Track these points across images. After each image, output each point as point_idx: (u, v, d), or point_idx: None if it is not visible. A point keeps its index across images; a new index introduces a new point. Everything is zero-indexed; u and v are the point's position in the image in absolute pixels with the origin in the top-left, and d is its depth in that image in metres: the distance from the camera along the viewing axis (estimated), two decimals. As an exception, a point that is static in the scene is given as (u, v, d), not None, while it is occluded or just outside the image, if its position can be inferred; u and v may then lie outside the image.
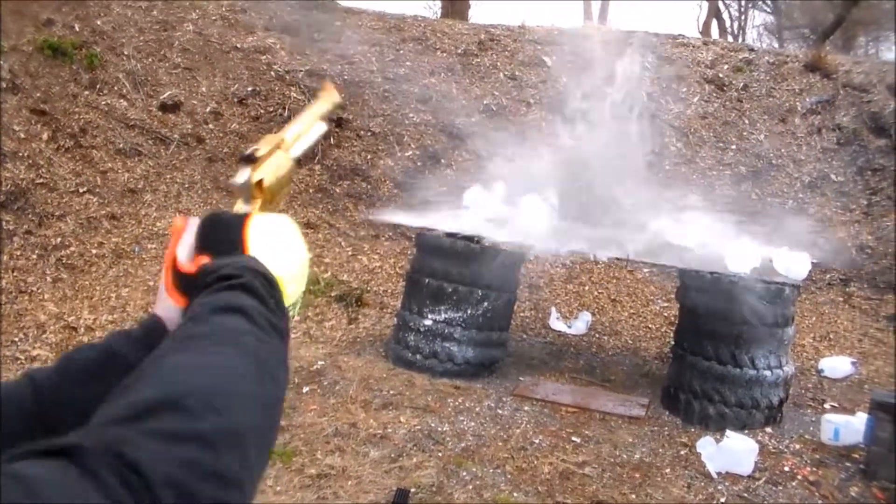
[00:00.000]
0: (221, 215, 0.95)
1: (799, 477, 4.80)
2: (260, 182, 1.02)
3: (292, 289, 0.93)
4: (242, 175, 1.02)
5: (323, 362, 5.99)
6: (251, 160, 1.02)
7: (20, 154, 7.31)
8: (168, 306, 0.93)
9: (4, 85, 7.84)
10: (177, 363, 0.70)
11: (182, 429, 0.62)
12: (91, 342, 0.91)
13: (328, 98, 1.27)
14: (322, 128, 1.22)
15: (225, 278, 0.83)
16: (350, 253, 8.19)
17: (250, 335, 0.76)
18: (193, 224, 0.97)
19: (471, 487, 4.33)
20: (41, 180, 7.25)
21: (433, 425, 5.03)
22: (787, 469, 4.89)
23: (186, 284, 0.89)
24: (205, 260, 0.90)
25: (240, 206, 1.00)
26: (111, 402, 0.65)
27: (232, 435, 0.65)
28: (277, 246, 0.94)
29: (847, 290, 8.78)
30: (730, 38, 28.07)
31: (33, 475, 0.54)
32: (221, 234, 0.92)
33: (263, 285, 0.84)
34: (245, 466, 0.65)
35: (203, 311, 0.79)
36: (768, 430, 5.41)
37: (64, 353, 0.89)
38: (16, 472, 0.54)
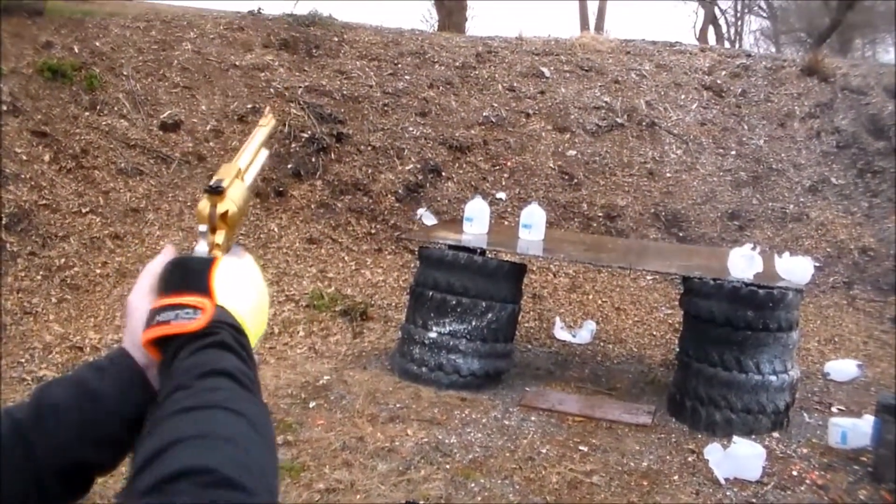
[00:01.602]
0: (185, 260, 0.94)
1: (807, 481, 4.79)
2: (225, 214, 1.02)
3: (254, 330, 0.93)
4: (205, 206, 1.02)
5: (329, 377, 6.00)
6: (217, 192, 1.02)
7: (22, 176, 7.34)
8: (141, 352, 0.91)
9: (5, 108, 7.87)
10: (202, 450, 0.69)
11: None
12: (60, 376, 0.91)
13: (268, 124, 1.26)
14: (265, 154, 1.22)
15: (201, 335, 0.84)
16: (353, 267, 8.21)
17: (240, 398, 0.78)
18: (151, 267, 0.97)
19: (479, 499, 4.33)
20: (44, 201, 7.28)
21: (440, 437, 5.03)
22: (795, 473, 4.89)
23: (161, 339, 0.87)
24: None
25: (201, 246, 0.99)
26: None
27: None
28: (243, 292, 0.94)
29: (851, 292, 8.78)
30: (727, 45, 28.14)
31: None
32: (188, 282, 0.90)
33: (236, 339, 0.85)
34: None
35: (189, 379, 0.78)
36: (775, 434, 5.41)
37: (36, 388, 0.89)
38: None
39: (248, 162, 1.15)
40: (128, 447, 0.87)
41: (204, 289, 0.89)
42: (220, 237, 1.00)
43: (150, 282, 0.95)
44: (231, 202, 1.03)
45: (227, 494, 0.64)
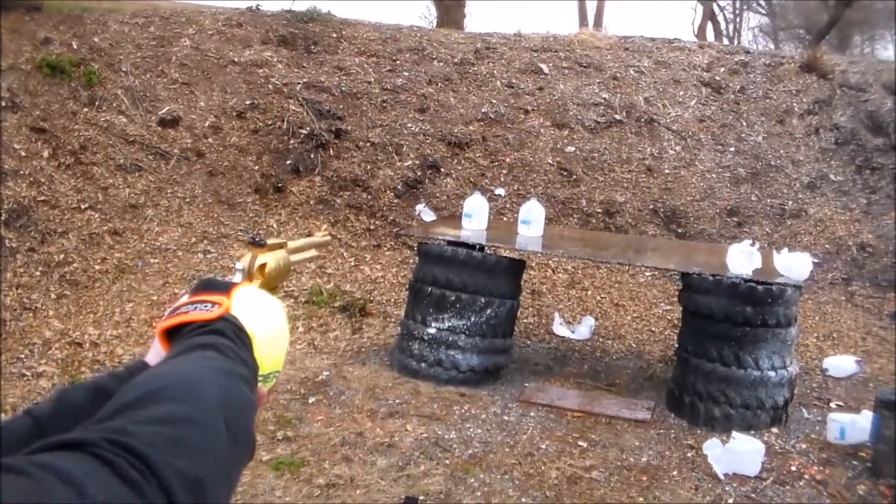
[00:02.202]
0: (214, 278, 1.00)
1: (806, 476, 4.81)
2: (263, 265, 1.10)
3: (267, 352, 0.96)
4: (247, 258, 1.10)
5: (328, 373, 6.01)
6: (259, 245, 1.11)
7: (21, 172, 7.33)
8: (157, 352, 0.95)
9: (4, 104, 7.86)
10: (156, 372, 0.80)
11: (169, 411, 0.70)
12: (82, 381, 0.95)
13: (324, 240, 1.41)
14: (313, 255, 1.36)
15: (200, 326, 0.89)
16: (352, 263, 8.21)
17: (220, 361, 0.83)
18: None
19: (479, 494, 4.34)
20: (43, 197, 7.28)
21: (440, 433, 5.04)
22: (793, 469, 4.90)
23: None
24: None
25: (236, 277, 1.08)
26: (104, 407, 0.72)
27: (210, 413, 0.73)
28: (258, 313, 0.97)
29: (849, 289, 8.79)
30: (725, 41, 28.13)
31: (63, 466, 0.59)
32: (210, 287, 0.96)
33: (233, 331, 0.90)
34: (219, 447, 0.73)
35: (178, 351, 0.85)
36: (774, 430, 5.42)
37: (57, 390, 0.91)
38: (45, 463, 0.58)
39: (297, 247, 1.25)
40: None
41: (224, 294, 0.95)
42: (254, 285, 1.07)
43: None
44: (271, 257, 1.12)
45: (154, 406, 0.70)
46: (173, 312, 0.92)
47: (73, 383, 0.95)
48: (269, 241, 1.13)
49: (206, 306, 0.92)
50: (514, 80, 11.16)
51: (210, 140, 9.02)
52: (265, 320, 0.98)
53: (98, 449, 0.62)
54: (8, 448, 0.79)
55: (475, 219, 6.61)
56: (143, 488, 0.61)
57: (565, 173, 9.88)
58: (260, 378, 0.92)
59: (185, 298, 0.96)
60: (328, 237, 1.42)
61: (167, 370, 0.80)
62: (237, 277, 1.06)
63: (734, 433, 5.03)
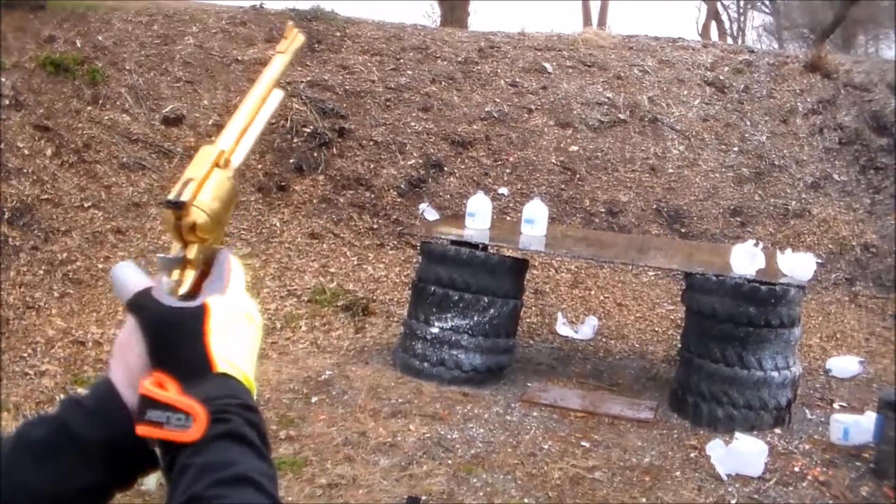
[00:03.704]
0: (172, 323, 0.80)
1: (809, 477, 4.80)
2: (193, 226, 0.86)
3: (253, 371, 0.83)
4: (170, 220, 0.86)
5: (331, 372, 6.00)
6: (177, 205, 0.85)
7: (25, 170, 7.34)
8: (123, 378, 0.82)
9: (7, 102, 7.87)
10: None
11: None
12: (44, 415, 0.82)
13: (289, 48, 1.05)
14: (278, 96, 1.02)
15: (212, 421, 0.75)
16: (355, 262, 8.20)
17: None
18: (130, 325, 0.82)
19: (481, 494, 4.34)
20: (46, 196, 7.28)
21: (442, 433, 5.04)
22: (797, 470, 4.89)
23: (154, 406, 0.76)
24: (169, 383, 0.77)
25: (164, 286, 0.84)
26: None
27: None
28: (243, 342, 0.83)
29: (853, 289, 8.77)
30: (729, 40, 28.10)
31: None
32: (180, 349, 0.79)
33: (248, 422, 0.77)
34: None
35: (204, 486, 0.71)
36: (777, 431, 5.41)
37: (17, 428, 0.82)
38: None
39: (238, 132, 0.97)
40: (110, 494, 0.82)
41: (200, 360, 0.79)
42: (192, 252, 0.87)
43: (128, 343, 0.83)
44: (199, 211, 0.86)
45: None
46: (144, 413, 0.76)
47: (38, 415, 0.86)
48: (189, 187, 0.87)
49: (179, 419, 0.74)
50: (517, 80, 11.15)
51: (214, 138, 8.93)
52: (249, 342, 0.84)
53: None
54: None
55: (478, 218, 6.61)
56: None
57: (569, 173, 9.87)
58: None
59: (149, 371, 0.79)
60: (297, 35, 1.08)
61: None
62: (167, 298, 0.82)
63: (737, 434, 5.02)
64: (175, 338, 0.79)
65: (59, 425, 0.80)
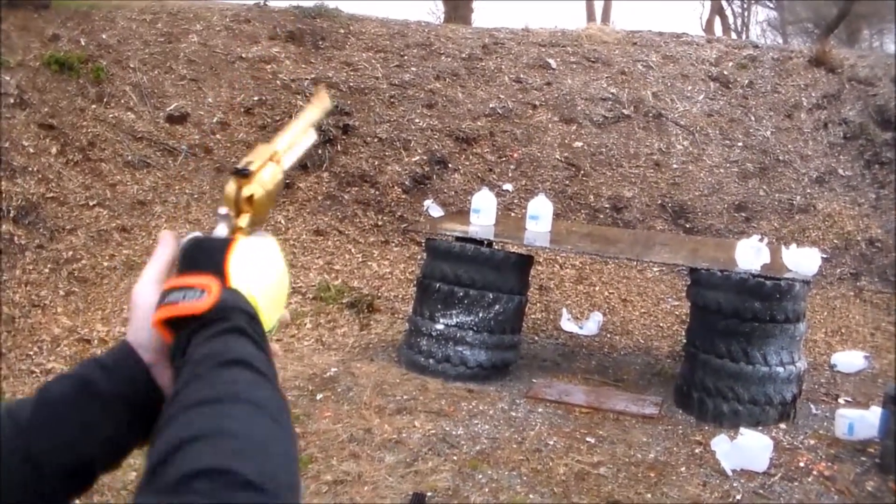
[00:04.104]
0: (203, 241, 0.93)
1: (814, 472, 4.80)
2: (251, 197, 0.98)
3: (270, 315, 0.91)
4: (232, 189, 0.99)
5: (336, 369, 6.01)
6: (244, 175, 0.99)
7: (30, 169, 7.36)
8: (144, 334, 0.89)
9: (12, 101, 7.89)
10: (222, 427, 0.69)
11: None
12: (64, 373, 0.88)
13: (320, 105, 1.20)
14: (313, 136, 1.16)
15: (212, 321, 0.81)
16: (360, 259, 8.21)
17: (260, 388, 0.75)
18: (167, 244, 0.95)
19: (487, 490, 4.35)
20: (51, 194, 7.30)
21: (448, 429, 5.05)
22: (802, 465, 4.89)
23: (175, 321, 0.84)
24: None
25: (221, 229, 0.97)
26: (172, 456, 0.66)
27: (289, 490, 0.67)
28: (261, 273, 0.91)
29: (858, 284, 8.76)
30: (733, 36, 28.03)
31: None
32: (201, 262, 0.89)
33: (250, 324, 0.83)
34: None
35: (206, 369, 0.76)
36: (782, 426, 5.41)
37: (39, 386, 0.87)
38: None
39: (288, 144, 1.10)
40: (131, 446, 0.86)
41: (218, 269, 0.87)
42: (243, 220, 0.98)
43: (153, 274, 0.92)
44: (259, 186, 0.99)
45: (245, 496, 0.62)
46: (164, 299, 0.85)
47: (57, 376, 0.90)
48: (255, 164, 1.00)
49: (195, 293, 0.83)
50: (521, 76, 11.14)
51: (218, 136, 9.03)
52: (266, 278, 0.92)
53: None
54: None
55: (483, 214, 6.61)
56: None
57: (573, 168, 9.87)
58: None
59: (174, 277, 0.88)
60: (325, 99, 1.22)
61: (233, 426, 0.69)
62: (220, 229, 0.96)
63: (742, 429, 5.02)
64: (201, 252, 0.91)
65: (78, 380, 0.86)
